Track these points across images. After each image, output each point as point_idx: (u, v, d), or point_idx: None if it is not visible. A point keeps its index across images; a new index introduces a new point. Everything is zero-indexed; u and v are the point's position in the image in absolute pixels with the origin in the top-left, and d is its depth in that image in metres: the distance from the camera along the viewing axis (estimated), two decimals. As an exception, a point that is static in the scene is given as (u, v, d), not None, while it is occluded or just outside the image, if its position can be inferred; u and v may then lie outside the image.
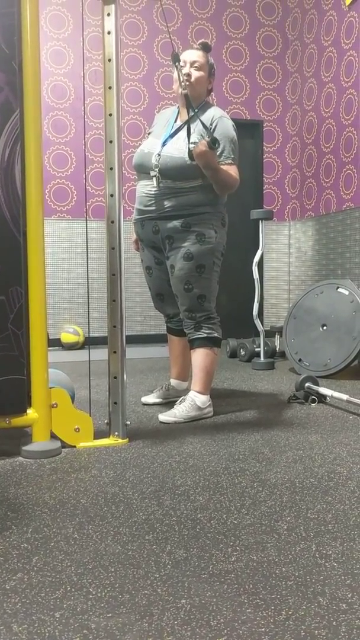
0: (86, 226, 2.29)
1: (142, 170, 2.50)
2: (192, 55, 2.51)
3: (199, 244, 2.41)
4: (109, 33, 2.08)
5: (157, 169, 2.42)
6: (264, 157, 5.88)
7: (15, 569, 1.21)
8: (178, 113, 2.58)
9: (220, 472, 1.81)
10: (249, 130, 5.83)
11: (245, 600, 1.08)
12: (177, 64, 2.33)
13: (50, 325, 5.24)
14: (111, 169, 2.10)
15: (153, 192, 2.46)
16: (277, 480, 1.73)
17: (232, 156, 2.45)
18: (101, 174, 5.37)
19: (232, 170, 2.44)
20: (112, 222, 2.12)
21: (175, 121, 2.55)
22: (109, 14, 2.07)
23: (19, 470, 1.85)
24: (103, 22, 2.08)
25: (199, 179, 2.42)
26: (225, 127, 2.46)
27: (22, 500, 1.59)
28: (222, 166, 2.40)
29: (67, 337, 5.11)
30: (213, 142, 2.26)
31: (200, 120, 2.41)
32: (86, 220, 2.38)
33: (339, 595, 1.09)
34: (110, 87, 2.08)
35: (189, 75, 2.45)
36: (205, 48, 2.55)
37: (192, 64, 2.49)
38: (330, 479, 1.74)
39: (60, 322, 5.31)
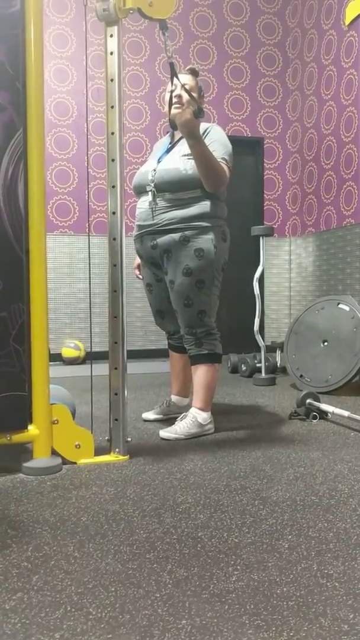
0: (88, 242, 2.30)
1: (140, 190, 2.53)
2: (182, 79, 2.55)
3: (198, 259, 2.41)
4: (111, 54, 2.11)
5: (152, 184, 2.45)
6: (265, 173, 5.92)
7: (15, 588, 1.21)
8: (172, 136, 2.62)
9: (221, 489, 1.81)
10: (249, 147, 5.88)
11: (247, 621, 1.07)
12: (164, 31, 2.24)
13: (52, 340, 5.25)
14: (113, 186, 2.12)
15: (151, 207, 2.47)
16: (278, 498, 1.72)
17: (224, 157, 2.42)
18: (103, 190, 5.40)
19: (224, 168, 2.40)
20: (114, 239, 2.13)
21: (171, 143, 2.58)
22: (111, 35, 2.10)
23: (19, 487, 1.85)
24: (106, 43, 2.11)
25: (197, 190, 2.42)
26: (218, 132, 2.48)
27: (22, 518, 1.59)
28: None
29: (68, 352, 5.12)
30: (198, 111, 2.21)
31: (185, 89, 2.41)
32: (88, 235, 2.39)
33: (341, 616, 1.09)
34: (112, 107, 2.11)
35: (179, 96, 2.48)
36: (194, 73, 2.61)
37: (182, 87, 2.53)
38: (332, 496, 1.73)
39: (61, 337, 5.32)
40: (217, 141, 2.44)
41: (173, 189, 2.42)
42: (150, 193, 2.46)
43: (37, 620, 1.09)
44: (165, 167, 2.44)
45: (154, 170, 2.47)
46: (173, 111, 2.47)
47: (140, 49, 5.50)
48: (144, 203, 2.52)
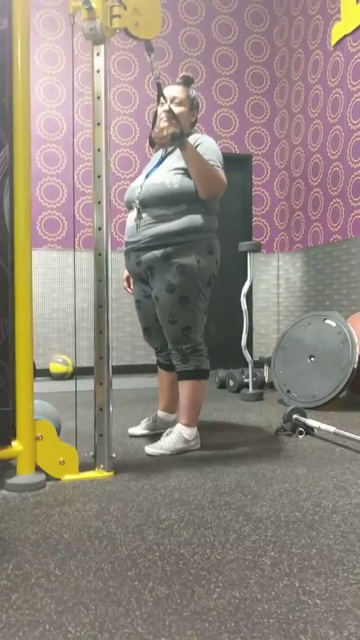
0: (74, 257, 2.29)
1: (129, 206, 2.55)
2: (172, 91, 2.54)
3: (180, 275, 2.39)
4: (98, 72, 2.13)
5: (138, 200, 2.45)
6: (253, 190, 5.97)
7: (-6, 607, 1.19)
8: (165, 149, 2.63)
9: (205, 505, 1.80)
10: (238, 164, 5.93)
11: (227, 639, 1.06)
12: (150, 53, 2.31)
13: (40, 355, 5.23)
14: (99, 202, 2.13)
15: (136, 223, 2.48)
16: (262, 514, 1.72)
17: (217, 163, 2.42)
18: (91, 205, 5.42)
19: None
20: (100, 254, 2.14)
21: (162, 157, 2.59)
22: (98, 54, 2.13)
23: (2, 503, 1.83)
24: (93, 61, 2.14)
25: (183, 205, 2.40)
26: (208, 142, 2.48)
27: (4, 535, 1.57)
28: None
29: (56, 367, 5.10)
30: (179, 135, 2.28)
31: (172, 112, 2.43)
32: (74, 250, 2.39)
33: (321, 634, 1.08)
34: (99, 124, 2.13)
35: (168, 112, 2.48)
36: (187, 82, 2.57)
37: (172, 100, 2.52)
38: (316, 512, 1.73)
39: (49, 352, 5.30)
40: (208, 148, 2.43)
41: (158, 204, 2.40)
42: (136, 210, 2.47)
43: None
44: (151, 181, 2.45)
45: (141, 186, 2.48)
46: (159, 124, 2.47)
47: (129, 67, 5.56)
48: (130, 220, 2.53)
